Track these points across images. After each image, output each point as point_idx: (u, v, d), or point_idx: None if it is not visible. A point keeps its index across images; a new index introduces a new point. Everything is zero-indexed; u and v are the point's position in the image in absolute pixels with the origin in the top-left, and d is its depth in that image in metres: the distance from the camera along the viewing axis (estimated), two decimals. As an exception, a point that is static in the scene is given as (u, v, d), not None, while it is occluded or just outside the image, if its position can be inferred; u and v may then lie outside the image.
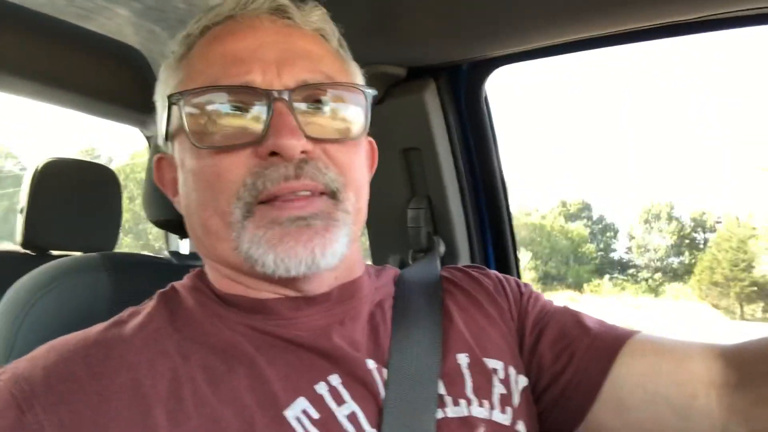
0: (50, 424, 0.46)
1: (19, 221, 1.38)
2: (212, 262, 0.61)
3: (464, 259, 1.14)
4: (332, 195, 0.56)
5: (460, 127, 1.13)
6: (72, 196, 1.41)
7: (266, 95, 0.54)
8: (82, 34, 1.28)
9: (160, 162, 0.66)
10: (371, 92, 0.62)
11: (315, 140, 0.56)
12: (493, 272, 0.73)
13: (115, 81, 1.37)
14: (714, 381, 0.56)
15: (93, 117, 1.59)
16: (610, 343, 0.61)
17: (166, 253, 0.84)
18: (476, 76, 1.10)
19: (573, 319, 0.65)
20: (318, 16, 0.63)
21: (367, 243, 1.27)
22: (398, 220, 1.18)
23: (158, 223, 0.82)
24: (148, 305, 0.60)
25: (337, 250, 0.55)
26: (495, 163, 1.13)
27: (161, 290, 0.62)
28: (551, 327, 0.65)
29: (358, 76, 0.67)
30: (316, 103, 0.57)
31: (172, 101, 0.57)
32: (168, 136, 0.61)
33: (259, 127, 0.54)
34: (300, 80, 0.56)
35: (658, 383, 0.58)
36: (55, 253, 1.42)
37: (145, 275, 0.76)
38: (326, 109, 0.58)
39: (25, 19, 1.21)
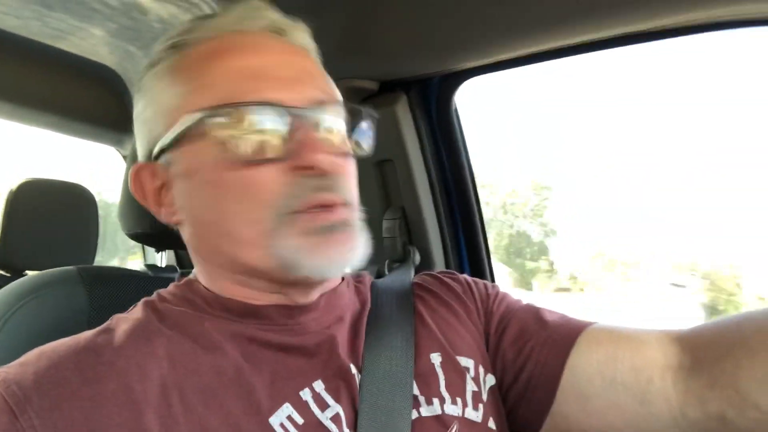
0: (44, 429, 0.46)
1: None
2: (222, 270, 0.61)
3: (439, 267, 1.16)
4: (347, 206, 0.59)
5: (431, 138, 1.16)
6: (48, 215, 1.40)
7: (292, 112, 0.56)
8: (57, 55, 1.29)
9: (139, 173, 0.64)
10: (374, 114, 0.66)
11: (333, 155, 0.58)
12: (463, 276, 0.75)
13: (91, 101, 1.37)
14: (669, 365, 0.58)
15: (68, 139, 1.59)
16: (566, 335, 0.63)
17: (142, 266, 0.85)
18: (446, 89, 1.14)
19: (533, 315, 0.67)
20: (306, 35, 0.66)
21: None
22: (374, 231, 1.18)
23: (134, 236, 0.83)
24: (135, 312, 0.60)
25: (357, 254, 0.58)
26: (467, 173, 1.16)
27: (146, 298, 0.62)
28: (512, 324, 0.67)
29: (338, 93, 0.68)
30: (327, 119, 0.60)
31: (200, 116, 0.57)
32: (168, 146, 0.60)
33: (287, 142, 0.56)
34: (313, 99, 0.58)
35: (615, 370, 0.59)
36: (31, 273, 1.40)
37: (122, 288, 0.77)
38: (334, 125, 0.61)
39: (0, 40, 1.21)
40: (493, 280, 1.18)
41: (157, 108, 0.62)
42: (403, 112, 1.13)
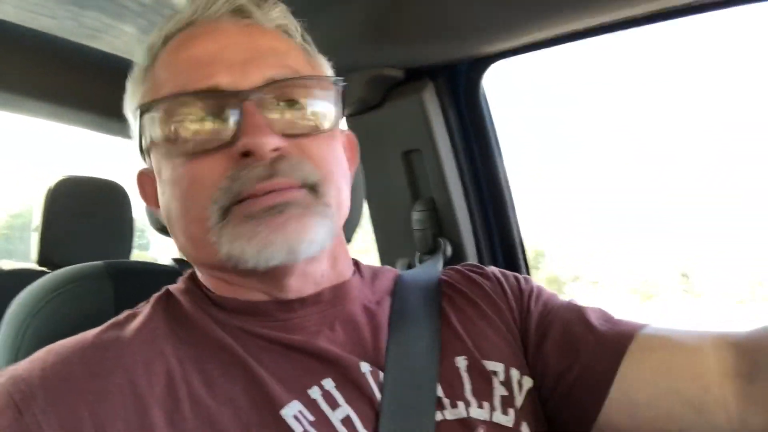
0: (48, 425, 0.46)
1: (34, 239, 1.41)
2: (201, 266, 0.61)
3: (471, 260, 1.12)
4: (311, 189, 0.55)
5: (460, 126, 1.13)
6: (85, 212, 1.43)
7: (234, 96, 0.54)
8: (92, 54, 1.31)
9: (141, 177, 0.65)
10: (341, 82, 0.61)
11: (287, 136, 0.55)
12: (491, 270, 0.71)
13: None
14: (727, 372, 0.54)
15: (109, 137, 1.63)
16: (616, 341, 0.59)
17: (170, 260, 0.85)
18: (473, 74, 1.10)
19: (577, 315, 0.63)
20: (278, 13, 0.62)
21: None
22: (404, 223, 1.18)
23: (161, 230, 0.83)
24: (145, 308, 0.60)
25: (315, 238, 0.54)
26: (497, 160, 1.12)
27: (157, 293, 0.63)
28: (555, 326, 0.63)
29: (326, 69, 0.66)
30: (285, 99, 0.56)
31: (142, 111, 0.57)
32: (143, 150, 0.61)
33: (229, 129, 0.54)
34: (267, 77, 0.55)
35: (669, 378, 0.55)
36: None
37: (149, 282, 0.76)
38: (296, 104, 0.57)
39: (36, 40, 1.24)
40: (528, 272, 1.14)
41: (131, 112, 0.62)
42: (429, 100, 1.10)
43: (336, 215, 0.58)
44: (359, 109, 1.16)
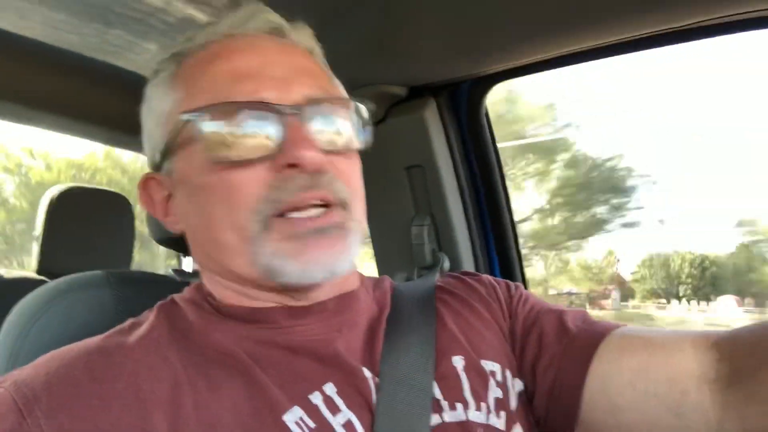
0: (50, 429, 0.47)
1: (35, 248, 1.41)
2: (217, 276, 0.62)
3: (470, 275, 1.13)
4: (343, 206, 0.58)
5: (461, 143, 1.14)
6: (85, 222, 1.44)
7: (280, 110, 0.56)
8: (114, 71, 1.32)
9: (147, 183, 0.66)
10: (368, 107, 0.64)
11: (325, 152, 0.57)
12: (486, 277, 0.74)
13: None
14: (706, 375, 0.54)
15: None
16: (587, 341, 0.61)
17: (169, 271, 0.86)
18: (476, 93, 1.12)
19: (556, 320, 0.65)
20: (308, 36, 0.66)
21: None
22: (403, 237, 1.18)
23: (162, 242, 0.84)
24: (149, 316, 0.61)
25: (350, 257, 0.58)
26: (497, 178, 1.14)
27: (161, 302, 0.63)
28: (535, 330, 0.65)
29: (343, 92, 0.69)
30: (321, 117, 0.59)
31: (187, 117, 0.57)
32: (166, 154, 0.62)
33: (274, 141, 0.56)
34: (306, 96, 0.58)
35: (648, 380, 0.56)
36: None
37: (148, 292, 0.77)
38: (330, 123, 0.60)
39: (59, 58, 1.24)
40: (526, 288, 1.14)
41: (155, 117, 0.63)
42: (432, 118, 1.11)
43: (360, 231, 0.61)
44: (362, 125, 1.17)
